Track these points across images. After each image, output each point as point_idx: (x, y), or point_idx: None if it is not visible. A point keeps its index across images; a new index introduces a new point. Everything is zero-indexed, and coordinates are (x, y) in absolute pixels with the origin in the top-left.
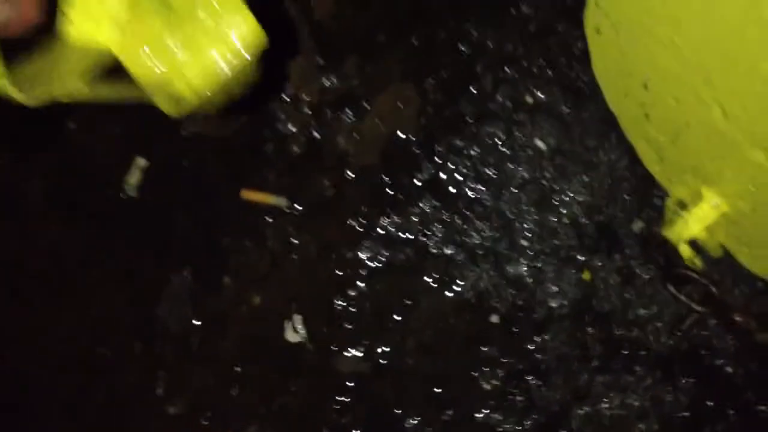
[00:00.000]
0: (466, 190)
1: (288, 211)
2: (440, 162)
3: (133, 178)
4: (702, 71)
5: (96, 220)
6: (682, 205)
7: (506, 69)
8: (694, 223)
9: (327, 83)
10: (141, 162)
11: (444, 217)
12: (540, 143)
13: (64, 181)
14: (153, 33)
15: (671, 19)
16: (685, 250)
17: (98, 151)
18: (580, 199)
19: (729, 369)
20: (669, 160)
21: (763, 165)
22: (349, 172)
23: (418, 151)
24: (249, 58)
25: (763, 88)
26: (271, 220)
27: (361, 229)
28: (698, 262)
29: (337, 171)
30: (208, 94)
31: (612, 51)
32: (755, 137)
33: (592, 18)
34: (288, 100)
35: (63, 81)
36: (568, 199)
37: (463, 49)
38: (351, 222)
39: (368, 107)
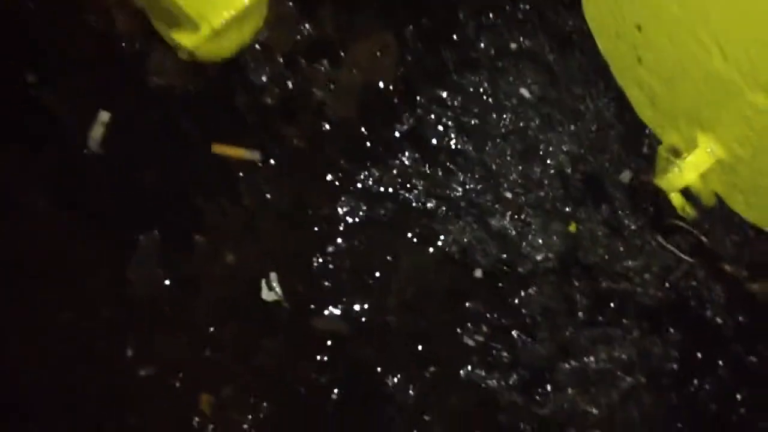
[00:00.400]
0: (448, 141)
1: (261, 165)
2: (421, 113)
3: (97, 132)
4: (701, 11)
5: (58, 177)
6: (676, 153)
7: (489, 15)
8: (688, 170)
9: (301, 31)
10: (104, 116)
11: (425, 169)
12: (525, 91)
13: (25, 135)
14: None
15: None
16: (677, 199)
17: (59, 105)
18: (566, 148)
19: (718, 320)
20: (662, 106)
21: (764, 108)
22: (325, 125)
23: (397, 102)
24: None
25: (766, 29)
26: (244, 176)
27: (339, 184)
28: (690, 211)
29: (312, 123)
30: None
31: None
32: (757, 80)
33: None
34: (259, 48)
35: None
36: (553, 149)
37: None
38: (328, 176)
39: (344, 56)
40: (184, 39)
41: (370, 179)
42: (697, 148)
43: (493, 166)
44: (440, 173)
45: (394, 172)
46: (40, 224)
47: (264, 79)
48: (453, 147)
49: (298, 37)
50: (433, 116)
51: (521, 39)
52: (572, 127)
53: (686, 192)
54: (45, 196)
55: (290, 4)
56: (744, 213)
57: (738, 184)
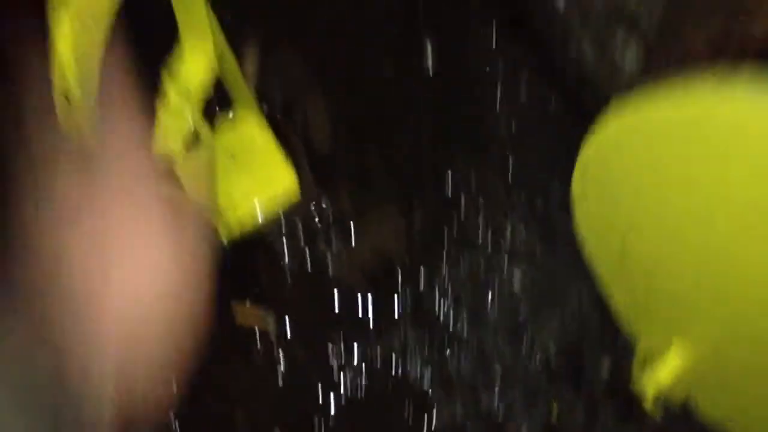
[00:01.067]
0: (446, 319)
1: (271, 328)
2: (420, 292)
3: None
4: (683, 239)
5: None
6: (651, 354)
7: (488, 205)
8: (661, 372)
9: (321, 205)
10: None
11: (422, 346)
12: (517, 277)
13: None
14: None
15: (654, 191)
16: (649, 399)
17: None
18: (553, 335)
19: None
20: (641, 308)
21: (737, 318)
22: (333, 292)
23: (401, 276)
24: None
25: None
26: (255, 337)
27: (339, 355)
28: (658, 411)
29: (320, 289)
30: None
31: (595, 208)
32: (729, 295)
33: (579, 181)
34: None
35: None
36: (540, 334)
37: (449, 183)
38: (330, 346)
39: (354, 228)
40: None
41: (370, 353)
42: (671, 351)
43: (485, 347)
44: (436, 351)
45: (394, 346)
46: None
47: (281, 245)
48: (450, 325)
49: (313, 206)
50: (430, 297)
51: (516, 227)
52: (559, 315)
53: (658, 392)
54: None
55: (312, 183)
56: (711, 415)
57: (707, 388)
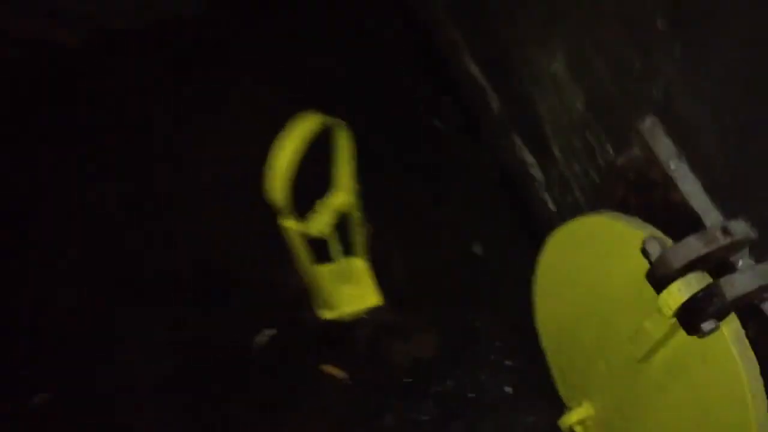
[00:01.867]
0: None
1: (349, 383)
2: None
3: (261, 339)
4: (584, 326)
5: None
6: (571, 408)
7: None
8: (572, 418)
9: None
10: (270, 331)
11: None
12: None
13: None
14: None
15: (570, 290)
16: None
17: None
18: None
19: None
20: (567, 379)
21: (618, 388)
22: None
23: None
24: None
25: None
26: (332, 392)
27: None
28: None
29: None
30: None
31: (543, 305)
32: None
33: (535, 283)
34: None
35: None
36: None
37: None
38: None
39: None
40: (326, 313)
41: None
42: (581, 406)
43: None
44: None
45: None
46: None
47: (360, 337)
48: None
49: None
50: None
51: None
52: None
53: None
54: None
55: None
56: None
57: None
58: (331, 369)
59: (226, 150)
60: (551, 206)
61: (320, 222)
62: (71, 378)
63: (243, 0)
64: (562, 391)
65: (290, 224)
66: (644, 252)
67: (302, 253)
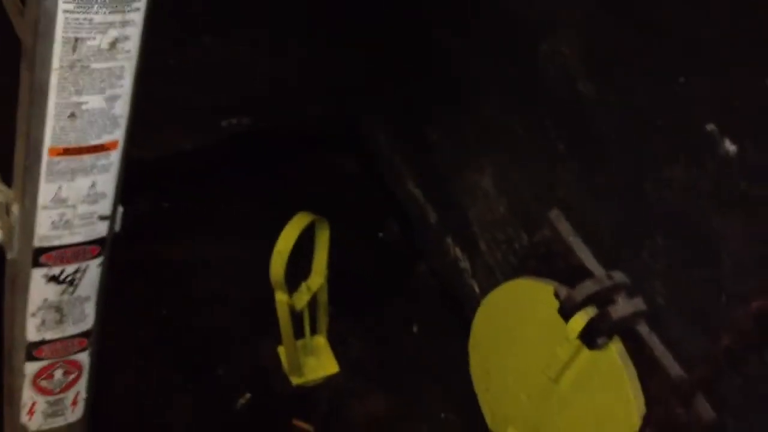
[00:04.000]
0: None
1: None
2: None
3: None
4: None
5: None
6: None
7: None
8: None
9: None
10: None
11: None
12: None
13: None
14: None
15: (496, 344)
16: None
17: None
18: None
19: None
20: (495, 413)
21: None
22: None
23: None
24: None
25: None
26: None
27: None
28: None
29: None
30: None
31: (475, 352)
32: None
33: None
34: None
35: None
36: None
37: None
38: None
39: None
40: (295, 379)
41: None
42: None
43: None
44: None
45: None
46: None
47: (322, 398)
48: None
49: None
50: None
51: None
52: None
53: None
54: None
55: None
56: None
57: None
58: (300, 424)
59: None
60: (477, 289)
61: (302, 298)
62: None
63: None
64: (491, 423)
65: (282, 298)
66: (556, 295)
67: (287, 325)
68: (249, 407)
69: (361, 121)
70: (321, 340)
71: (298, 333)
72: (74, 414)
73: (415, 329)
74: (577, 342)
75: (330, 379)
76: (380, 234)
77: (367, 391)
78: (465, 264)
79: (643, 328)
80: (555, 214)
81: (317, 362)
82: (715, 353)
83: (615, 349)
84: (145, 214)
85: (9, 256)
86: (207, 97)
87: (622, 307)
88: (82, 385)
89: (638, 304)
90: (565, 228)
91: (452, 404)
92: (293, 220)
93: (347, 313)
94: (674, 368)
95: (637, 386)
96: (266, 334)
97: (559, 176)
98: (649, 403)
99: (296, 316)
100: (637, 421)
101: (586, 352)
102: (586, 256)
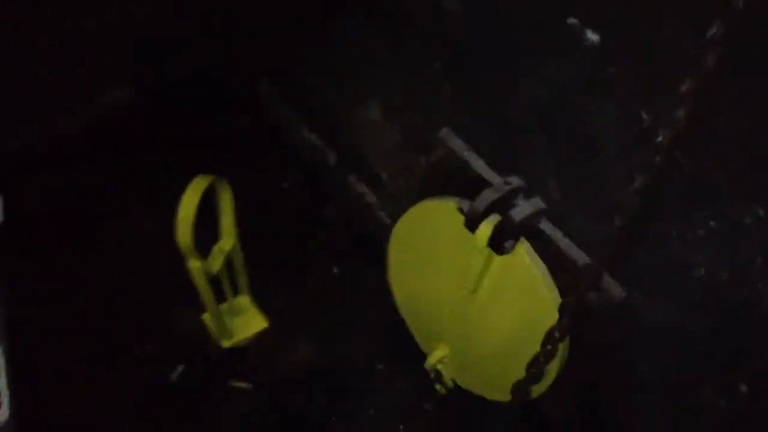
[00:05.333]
0: None
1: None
2: None
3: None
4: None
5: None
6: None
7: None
8: (432, 360)
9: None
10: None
11: None
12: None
13: None
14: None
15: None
16: (431, 376)
17: None
18: None
19: None
20: (422, 328)
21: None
22: None
23: None
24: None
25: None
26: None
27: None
28: (441, 389)
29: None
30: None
31: (396, 267)
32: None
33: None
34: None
35: None
36: None
37: None
38: None
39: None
40: (225, 342)
41: None
42: (437, 349)
43: None
44: None
45: None
46: None
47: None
48: None
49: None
50: None
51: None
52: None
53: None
54: None
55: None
56: (471, 387)
57: (462, 369)
58: (237, 383)
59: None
60: (387, 220)
61: (216, 262)
62: None
63: None
64: (422, 344)
65: (195, 264)
66: (460, 210)
67: (206, 290)
68: (184, 377)
69: (249, 79)
70: (244, 300)
71: (221, 297)
72: (2, 414)
73: (335, 270)
74: (487, 250)
75: (260, 335)
76: (284, 185)
77: (296, 340)
78: (371, 198)
79: (546, 225)
80: (445, 132)
81: (244, 321)
82: (612, 235)
83: (522, 249)
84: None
85: None
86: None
87: (523, 209)
88: (2, 385)
89: (537, 203)
90: (457, 144)
91: (383, 339)
92: (191, 186)
93: (266, 268)
94: (580, 256)
95: (549, 280)
96: (189, 304)
97: (442, 95)
98: (562, 293)
99: (217, 281)
100: (554, 312)
101: (497, 259)
102: (481, 167)
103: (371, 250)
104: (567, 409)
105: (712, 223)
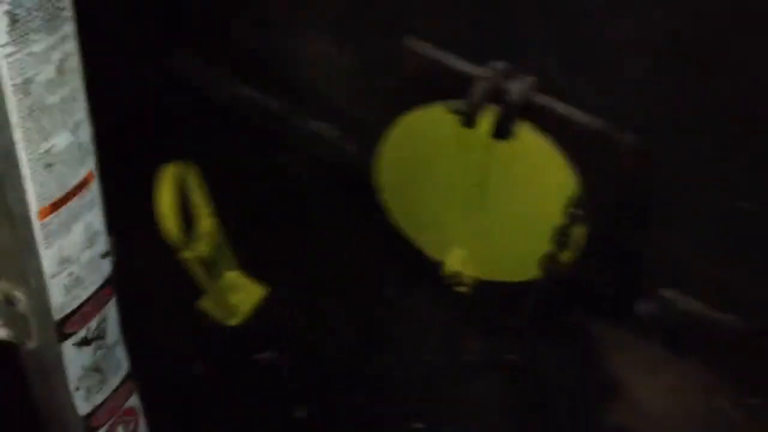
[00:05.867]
0: None
1: None
2: None
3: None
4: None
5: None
6: (445, 257)
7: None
8: (453, 261)
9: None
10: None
11: None
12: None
13: None
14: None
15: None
16: (451, 279)
17: None
18: None
19: None
20: (430, 235)
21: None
22: None
23: None
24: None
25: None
26: None
27: None
28: (464, 289)
29: None
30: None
31: (390, 175)
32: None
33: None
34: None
35: None
36: None
37: None
38: None
39: None
40: (231, 321)
41: None
42: (452, 253)
43: None
44: None
45: None
46: None
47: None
48: None
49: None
50: None
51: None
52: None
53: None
54: None
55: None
56: (496, 277)
57: (484, 263)
58: (262, 356)
59: None
60: (354, 150)
61: (204, 246)
62: None
63: None
64: (431, 250)
65: (187, 254)
66: (455, 111)
67: (204, 277)
68: (207, 368)
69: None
70: (234, 274)
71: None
72: None
73: (316, 216)
74: (491, 141)
75: (265, 308)
76: (238, 151)
77: (300, 304)
78: (340, 136)
79: (543, 99)
80: (410, 40)
81: (243, 294)
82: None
83: (527, 128)
84: None
85: (29, 346)
86: None
87: (517, 88)
88: (142, 427)
89: (528, 81)
90: (427, 49)
91: (392, 262)
92: (161, 179)
93: (251, 239)
94: (585, 118)
95: (559, 154)
96: (186, 299)
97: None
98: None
99: (205, 264)
100: (572, 180)
101: (501, 148)
102: (459, 64)
103: (347, 184)
104: (598, 270)
105: None
